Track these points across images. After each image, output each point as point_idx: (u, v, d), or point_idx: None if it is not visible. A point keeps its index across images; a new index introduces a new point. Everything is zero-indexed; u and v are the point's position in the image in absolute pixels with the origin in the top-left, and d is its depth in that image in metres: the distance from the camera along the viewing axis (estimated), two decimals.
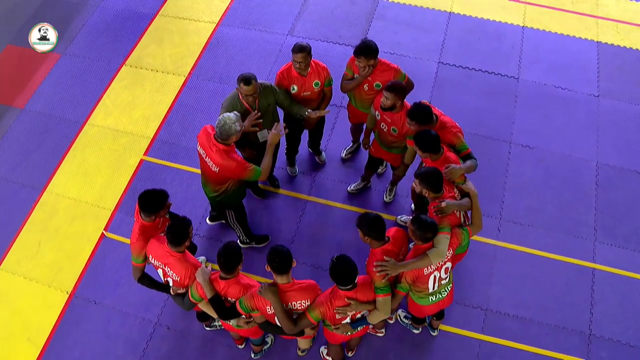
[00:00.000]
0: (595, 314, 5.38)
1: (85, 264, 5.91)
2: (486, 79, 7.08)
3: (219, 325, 5.40)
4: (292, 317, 4.01)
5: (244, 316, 4.20)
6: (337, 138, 6.69)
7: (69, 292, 5.71)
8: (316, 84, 5.29)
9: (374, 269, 3.91)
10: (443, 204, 4.16)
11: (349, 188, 6.27)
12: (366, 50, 5.01)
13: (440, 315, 5.05)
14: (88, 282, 5.78)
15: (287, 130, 5.12)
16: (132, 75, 7.41)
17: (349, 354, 5.18)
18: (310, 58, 5.15)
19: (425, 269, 4.04)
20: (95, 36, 7.90)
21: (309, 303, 3.98)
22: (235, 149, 4.71)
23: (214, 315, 4.28)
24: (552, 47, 7.44)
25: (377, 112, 5.13)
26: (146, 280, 4.44)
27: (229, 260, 3.93)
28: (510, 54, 7.37)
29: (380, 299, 3.94)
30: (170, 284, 4.31)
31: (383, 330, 5.29)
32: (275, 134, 4.71)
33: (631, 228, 5.91)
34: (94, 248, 6.01)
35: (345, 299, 3.89)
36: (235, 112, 4.57)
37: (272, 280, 3.98)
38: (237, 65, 7.42)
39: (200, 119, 6.91)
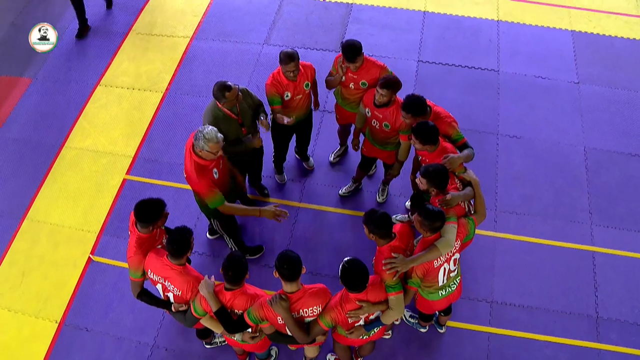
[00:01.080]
0: (600, 297, 5.34)
1: (74, 291, 5.65)
2: (467, 74, 7.09)
3: (221, 342, 5.20)
4: (304, 327, 3.85)
5: (249, 330, 4.02)
6: (323, 142, 6.60)
7: (58, 321, 5.43)
8: (306, 85, 5.22)
9: (383, 267, 3.78)
10: (448, 197, 4.11)
11: (340, 191, 6.16)
12: (351, 49, 4.95)
13: (447, 311, 4.94)
14: (78, 309, 5.52)
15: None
16: (108, 94, 7.22)
17: None
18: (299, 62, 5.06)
19: (435, 261, 3.93)
20: (66, 58, 7.69)
21: (320, 309, 3.83)
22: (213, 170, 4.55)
23: (218, 331, 4.09)
24: (529, 39, 7.51)
25: (367, 109, 5.05)
26: (145, 296, 4.21)
27: (235, 271, 3.74)
28: (488, 48, 7.41)
29: (392, 297, 3.80)
30: (171, 300, 4.11)
31: (390, 332, 5.16)
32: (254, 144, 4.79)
33: (626, 208, 5.92)
34: (82, 273, 5.75)
35: (357, 302, 3.76)
36: (221, 136, 4.35)
37: (280, 290, 3.82)
38: (215, 78, 7.03)
39: (182, 134, 6.74)
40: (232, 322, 3.86)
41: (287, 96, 5.17)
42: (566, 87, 6.96)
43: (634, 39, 7.48)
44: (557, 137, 6.48)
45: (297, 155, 6.44)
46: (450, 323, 5.21)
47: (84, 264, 5.82)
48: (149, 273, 4.06)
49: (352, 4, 8.04)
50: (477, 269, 5.51)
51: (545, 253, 5.63)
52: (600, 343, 5.08)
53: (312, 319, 3.88)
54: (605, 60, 7.23)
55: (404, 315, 5.24)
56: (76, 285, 5.68)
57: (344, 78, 5.21)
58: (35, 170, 6.57)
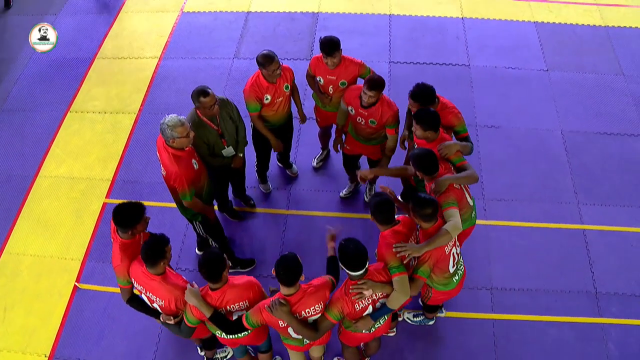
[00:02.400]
0: (596, 273, 5.40)
1: (61, 322, 5.38)
2: (439, 70, 7.20)
3: (222, 358, 5.03)
4: (310, 325, 3.75)
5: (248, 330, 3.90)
6: (304, 149, 6.55)
7: (48, 355, 5.16)
8: (286, 87, 5.18)
9: (393, 249, 3.71)
10: (433, 186, 4.07)
11: (341, 193, 6.10)
12: (330, 44, 4.99)
13: None
14: (67, 340, 5.26)
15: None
16: (80, 120, 7.03)
17: None
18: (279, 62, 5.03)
19: (446, 247, 3.89)
20: (32, 88, 7.48)
21: (322, 307, 3.73)
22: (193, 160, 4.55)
23: (217, 331, 3.95)
24: (494, 33, 7.70)
25: (350, 107, 5.02)
26: (135, 302, 4.06)
27: (213, 268, 3.63)
28: (456, 45, 7.55)
29: (396, 278, 3.70)
30: (159, 310, 3.97)
31: (394, 329, 5.08)
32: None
33: (609, 185, 6.05)
34: (68, 303, 5.50)
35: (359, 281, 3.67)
36: (183, 118, 4.34)
37: (278, 293, 3.72)
38: (188, 95, 6.94)
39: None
40: (229, 323, 3.75)
41: (267, 99, 5.10)
42: (536, 76, 7.14)
43: (594, 25, 7.76)
44: (534, 124, 6.61)
45: (279, 164, 6.37)
46: (454, 314, 5.17)
47: (70, 292, 5.57)
48: (134, 282, 3.91)
49: (318, 13, 8.11)
50: (473, 258, 5.49)
51: (538, 236, 5.67)
52: (602, 317, 5.12)
53: (316, 317, 3.78)
54: (570, 47, 7.47)
55: (407, 318, 5.16)
56: (63, 316, 5.42)
57: (331, 89, 5.28)
58: (10, 203, 6.30)
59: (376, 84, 4.71)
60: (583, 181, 6.08)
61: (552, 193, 6.00)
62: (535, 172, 6.18)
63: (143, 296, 3.96)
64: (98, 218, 6.10)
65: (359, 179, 4.87)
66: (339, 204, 6.04)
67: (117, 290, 5.43)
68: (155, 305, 3.95)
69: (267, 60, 4.89)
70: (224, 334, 3.96)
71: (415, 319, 5.12)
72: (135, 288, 3.97)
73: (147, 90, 7.30)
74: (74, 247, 5.91)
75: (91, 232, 5.99)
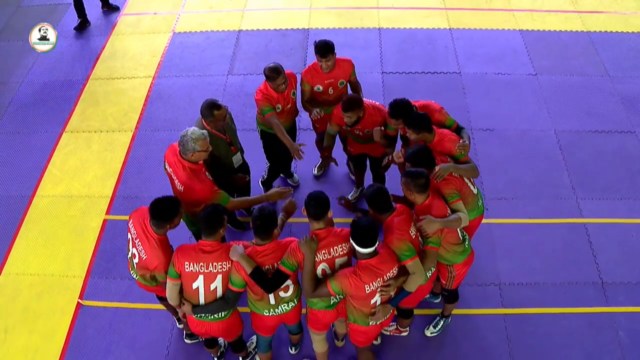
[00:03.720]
0: (600, 264, 5.47)
1: (65, 339, 5.24)
2: (431, 79, 7.36)
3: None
4: (315, 281, 3.79)
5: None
6: (304, 157, 6.57)
7: None
8: (293, 94, 5.27)
9: (417, 225, 3.83)
10: (437, 168, 4.11)
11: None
12: (324, 46, 5.10)
13: None
14: (73, 357, 5.10)
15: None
16: (75, 140, 7.00)
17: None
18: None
19: None
20: (25, 111, 7.44)
21: (348, 249, 3.83)
22: (206, 172, 4.48)
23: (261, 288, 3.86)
24: (482, 42, 7.93)
25: (343, 127, 5.07)
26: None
27: (267, 224, 3.74)
28: (446, 54, 7.75)
29: (410, 263, 3.74)
30: (218, 288, 3.91)
31: (407, 329, 5.05)
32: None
33: (605, 180, 6.19)
34: (72, 320, 5.37)
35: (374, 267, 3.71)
36: (205, 132, 4.33)
37: (311, 233, 3.84)
38: (183, 111, 7.24)
39: (158, 169, 6.49)
40: (268, 280, 3.76)
41: (278, 108, 5.18)
42: (525, 80, 7.35)
43: (577, 31, 8.05)
44: (528, 125, 6.78)
45: (280, 174, 6.39)
46: (465, 311, 5.17)
47: (73, 310, 5.44)
48: (185, 268, 3.83)
49: (308, 29, 8.28)
50: (480, 256, 5.44)
51: (540, 231, 5.75)
52: (610, 306, 5.17)
53: (343, 259, 3.84)
54: (556, 52, 7.72)
55: (432, 332, 5.08)
56: (67, 334, 5.28)
57: (330, 91, 5.34)
58: (6, 224, 6.18)
59: (349, 104, 4.78)
60: (579, 177, 6.21)
61: (550, 190, 6.11)
62: (532, 171, 6.30)
63: (200, 277, 3.86)
64: (99, 234, 6.01)
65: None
66: (343, 210, 6.04)
67: (123, 305, 5.50)
68: (215, 280, 3.88)
69: (274, 74, 4.97)
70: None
71: (436, 329, 5.06)
72: (187, 273, 3.87)
73: (142, 108, 7.32)
74: (76, 264, 5.80)
75: (92, 249, 5.89)
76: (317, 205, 3.78)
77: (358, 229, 3.63)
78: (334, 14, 8.55)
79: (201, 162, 4.42)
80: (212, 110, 4.59)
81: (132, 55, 8.12)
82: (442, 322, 5.03)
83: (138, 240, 4.02)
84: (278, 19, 8.55)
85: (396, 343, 5.02)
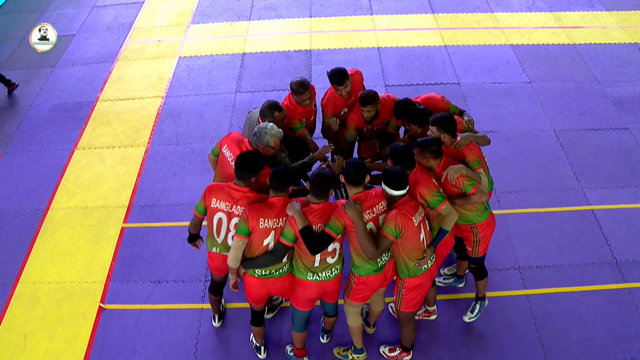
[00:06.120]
0: (612, 245, 5.69)
1: (89, 343, 5.16)
2: (432, 89, 7.68)
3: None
4: (373, 239, 3.95)
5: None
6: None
7: None
8: (315, 105, 5.45)
9: (443, 174, 4.19)
10: (458, 138, 4.39)
11: None
12: (340, 74, 5.19)
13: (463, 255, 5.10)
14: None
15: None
16: (88, 156, 7.08)
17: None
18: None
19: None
20: (35, 131, 7.53)
21: (385, 205, 4.05)
22: None
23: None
24: (477, 56, 8.39)
25: (363, 129, 5.29)
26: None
27: (325, 185, 3.95)
28: (443, 67, 8.17)
29: (442, 207, 4.06)
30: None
31: (435, 313, 5.11)
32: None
33: (606, 171, 6.51)
34: (94, 324, 5.30)
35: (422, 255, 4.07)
36: (281, 130, 4.53)
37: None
38: (195, 126, 7.43)
39: (173, 181, 6.68)
40: (316, 240, 3.88)
41: (304, 123, 5.31)
42: (521, 87, 7.78)
43: (564, 44, 8.59)
44: (528, 126, 7.14)
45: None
46: (489, 293, 5.25)
47: (95, 314, 5.38)
48: (260, 225, 3.99)
49: (310, 50, 8.65)
50: (496, 243, 5.63)
51: (551, 219, 5.98)
52: (627, 282, 5.36)
53: (383, 215, 4.02)
54: (547, 63, 8.21)
55: (439, 282, 5.35)
56: (90, 337, 5.20)
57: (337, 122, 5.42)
58: (22, 236, 6.15)
59: (368, 98, 5.01)
60: (582, 170, 6.52)
61: (556, 182, 6.39)
62: (537, 166, 6.59)
63: (272, 233, 4.02)
64: (118, 242, 6.02)
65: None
66: None
67: (146, 306, 5.49)
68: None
69: (301, 88, 5.10)
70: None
71: (473, 313, 5.13)
72: (263, 228, 4.01)
73: (154, 125, 7.48)
74: (95, 270, 5.77)
75: (112, 255, 5.88)
76: (357, 171, 3.98)
77: (391, 175, 3.97)
78: (333, 37, 8.98)
79: None
80: (273, 111, 4.78)
81: (140, 77, 8.34)
82: (478, 306, 5.11)
83: (227, 203, 4.15)
84: (280, 42, 8.93)
85: (426, 327, 5.08)
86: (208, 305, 5.33)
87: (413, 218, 3.95)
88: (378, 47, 8.64)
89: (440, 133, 4.39)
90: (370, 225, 3.99)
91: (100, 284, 5.65)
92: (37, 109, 7.90)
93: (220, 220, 4.21)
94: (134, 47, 9.05)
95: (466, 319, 5.12)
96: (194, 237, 4.69)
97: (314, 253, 3.93)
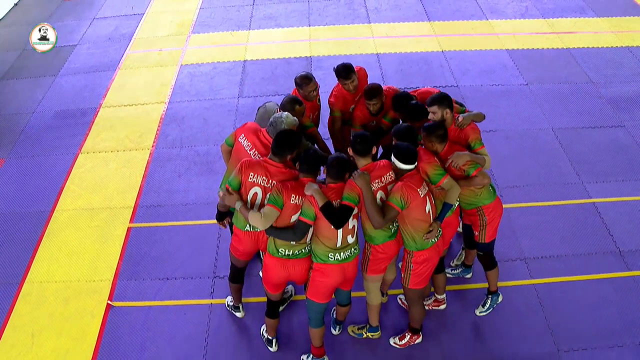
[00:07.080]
0: (615, 235, 5.79)
1: (97, 340, 5.14)
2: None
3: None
4: (380, 209, 4.06)
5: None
6: None
7: None
8: (319, 100, 5.55)
9: (449, 159, 4.28)
10: (460, 118, 4.54)
11: None
12: (346, 69, 5.31)
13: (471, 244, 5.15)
14: (106, 356, 5.00)
15: None
16: (92, 159, 7.11)
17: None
18: None
19: None
20: (38, 137, 7.57)
21: (393, 175, 4.20)
22: None
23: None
24: (473, 60, 8.59)
25: (369, 123, 5.36)
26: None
27: (341, 168, 4.09)
28: (442, 71, 8.34)
29: (444, 181, 4.19)
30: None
31: (445, 302, 5.16)
32: None
33: (605, 166, 6.65)
34: (102, 321, 5.28)
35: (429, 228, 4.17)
36: (296, 119, 4.61)
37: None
38: (199, 129, 7.51)
39: (179, 182, 6.72)
40: (337, 214, 3.96)
41: (311, 117, 5.40)
42: (518, 89, 7.96)
43: (558, 48, 8.83)
44: (527, 125, 7.30)
45: None
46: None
47: (103, 311, 5.36)
48: (291, 200, 4.09)
49: (310, 57, 8.80)
50: (501, 236, 5.67)
51: (554, 212, 6.09)
52: (632, 270, 5.44)
53: (391, 185, 4.14)
54: (542, 66, 8.42)
55: (449, 273, 5.38)
56: (99, 334, 5.18)
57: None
58: (27, 237, 6.14)
59: (372, 92, 5.10)
60: (582, 165, 6.66)
61: (557, 177, 6.51)
62: (538, 162, 6.73)
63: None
64: (124, 241, 6.02)
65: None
66: None
67: (155, 303, 5.47)
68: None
69: (306, 80, 5.21)
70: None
71: (485, 307, 5.17)
72: (294, 205, 4.11)
73: (157, 129, 7.54)
74: (102, 269, 5.77)
75: (119, 254, 5.89)
76: (364, 142, 4.15)
77: (401, 149, 4.12)
78: (332, 44, 9.15)
79: None
80: (294, 104, 4.87)
81: (143, 84, 8.43)
82: (489, 301, 5.14)
83: (264, 177, 4.24)
84: (280, 50, 9.08)
85: (435, 317, 5.12)
86: (217, 301, 5.37)
87: (419, 190, 4.09)
88: (377, 54, 8.82)
89: (442, 110, 4.48)
90: (380, 194, 4.14)
91: (107, 282, 5.64)
92: (40, 115, 7.94)
93: (255, 194, 4.27)
94: (135, 56, 9.16)
95: (477, 312, 5.16)
96: (223, 215, 4.82)
97: (337, 227, 4.00)
